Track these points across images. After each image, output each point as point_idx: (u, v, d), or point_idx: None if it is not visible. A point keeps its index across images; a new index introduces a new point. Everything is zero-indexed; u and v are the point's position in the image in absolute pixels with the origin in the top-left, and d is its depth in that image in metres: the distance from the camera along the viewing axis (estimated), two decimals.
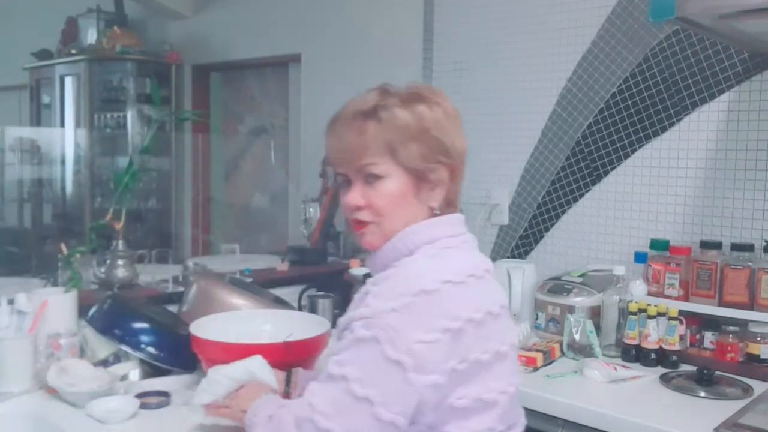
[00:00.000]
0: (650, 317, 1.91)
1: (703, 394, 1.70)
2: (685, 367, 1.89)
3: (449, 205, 1.19)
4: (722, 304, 1.91)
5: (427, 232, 1.14)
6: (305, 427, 1.04)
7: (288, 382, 1.41)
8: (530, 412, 1.68)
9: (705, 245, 1.98)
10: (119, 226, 2.12)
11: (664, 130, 2.21)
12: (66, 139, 4.56)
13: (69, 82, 4.50)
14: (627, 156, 2.29)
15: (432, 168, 1.15)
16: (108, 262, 2.15)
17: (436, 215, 1.17)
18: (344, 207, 1.19)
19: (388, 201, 1.15)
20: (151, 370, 1.73)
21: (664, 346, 1.90)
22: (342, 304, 2.24)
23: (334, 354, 1.09)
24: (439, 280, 1.05)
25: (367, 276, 2.23)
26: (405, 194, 1.15)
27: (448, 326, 1.03)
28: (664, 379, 1.80)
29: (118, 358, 1.72)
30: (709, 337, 1.96)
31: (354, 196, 1.16)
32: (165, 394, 1.59)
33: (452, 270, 1.09)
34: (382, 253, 1.16)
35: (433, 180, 1.15)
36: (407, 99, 1.16)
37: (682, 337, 1.92)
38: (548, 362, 1.92)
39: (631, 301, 1.96)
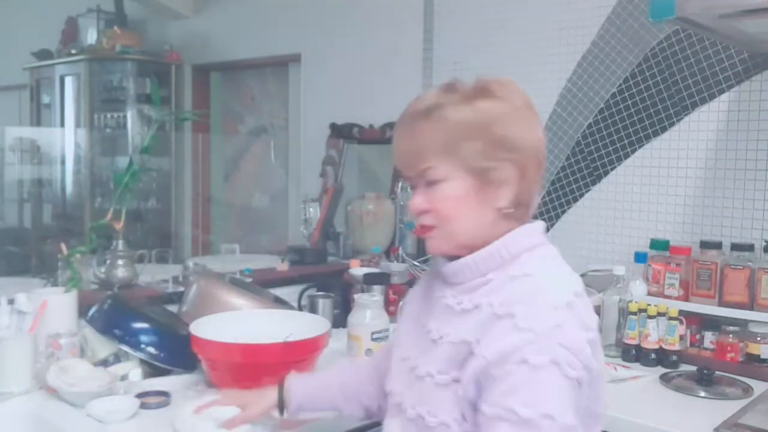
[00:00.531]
0: (650, 317, 1.91)
1: (703, 394, 1.70)
2: (685, 367, 1.89)
3: (521, 206, 1.07)
4: (722, 304, 1.91)
5: (526, 241, 1.07)
6: None
7: (281, 402, 1.35)
8: None
9: (705, 245, 1.98)
10: (119, 226, 2.12)
11: (664, 130, 2.21)
12: (66, 139, 4.56)
13: (69, 82, 4.50)
14: (627, 156, 2.29)
15: (494, 166, 1.04)
16: (108, 262, 2.15)
17: (508, 214, 1.07)
18: (409, 212, 1.16)
19: (450, 204, 1.06)
20: (151, 370, 1.72)
21: (664, 346, 1.90)
22: (342, 304, 2.25)
23: (505, 394, 0.94)
24: (571, 292, 1.01)
25: (368, 276, 2.23)
26: (467, 195, 1.06)
27: (591, 338, 0.99)
28: (664, 379, 1.80)
29: (118, 358, 1.72)
30: (709, 337, 1.96)
31: (416, 200, 1.09)
32: (165, 394, 1.59)
33: (574, 281, 1.05)
34: (476, 259, 1.07)
35: (498, 179, 1.05)
36: (470, 95, 1.07)
37: (682, 337, 1.92)
38: None
39: (631, 301, 1.96)
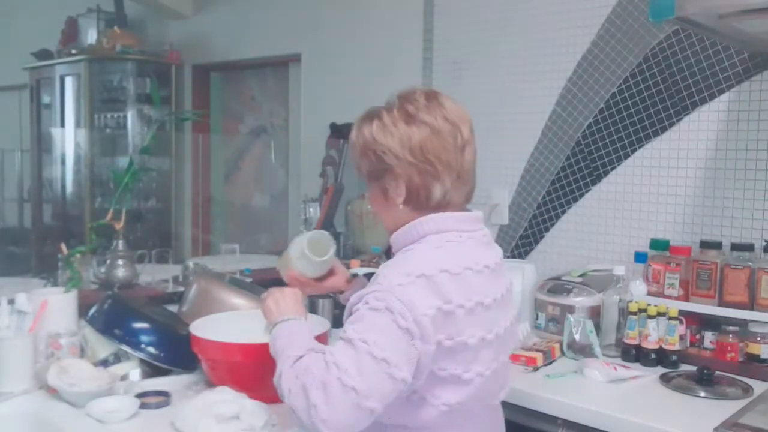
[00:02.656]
0: (650, 317, 1.91)
1: (703, 394, 1.70)
2: (685, 367, 1.89)
3: (420, 198, 1.31)
4: (722, 304, 1.91)
5: (437, 224, 1.30)
6: (333, 387, 1.15)
7: None
8: (530, 412, 1.69)
9: (705, 245, 1.98)
10: (119, 226, 2.12)
11: (664, 130, 2.21)
12: (66, 139, 4.56)
13: (69, 82, 4.50)
14: (627, 156, 2.29)
15: (380, 175, 1.32)
16: (108, 262, 2.15)
17: (412, 205, 1.32)
18: None
19: (371, 203, 1.42)
20: (151, 370, 1.73)
21: (664, 346, 1.90)
22: (342, 304, 2.24)
23: (349, 323, 1.22)
24: (437, 268, 1.22)
25: (368, 276, 2.24)
26: (377, 198, 1.37)
27: (441, 306, 1.20)
28: (664, 379, 1.80)
29: (118, 358, 1.73)
30: (709, 337, 1.96)
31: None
32: (165, 394, 1.59)
33: (451, 262, 1.24)
34: (396, 237, 1.34)
35: (389, 184, 1.32)
36: (363, 120, 1.35)
37: (682, 337, 1.92)
38: (548, 362, 1.92)
39: (631, 301, 1.96)
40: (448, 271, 1.23)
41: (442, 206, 1.31)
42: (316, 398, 1.15)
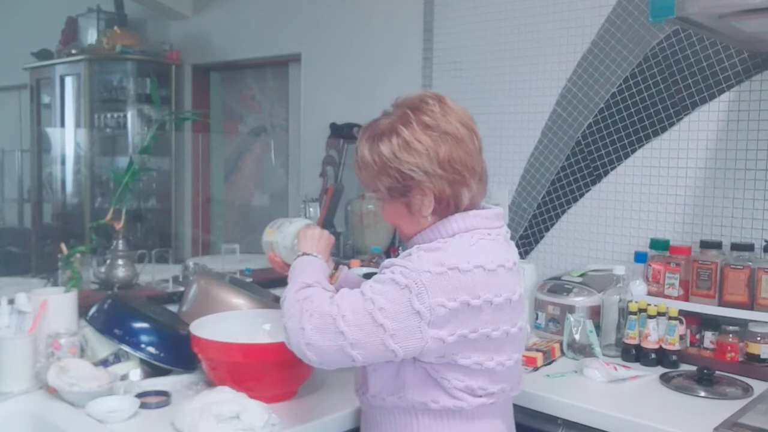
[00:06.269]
0: (650, 317, 1.91)
1: (703, 393, 1.70)
2: (685, 367, 1.89)
3: (449, 206, 1.32)
4: (722, 303, 1.91)
5: (465, 222, 1.32)
6: (326, 320, 1.23)
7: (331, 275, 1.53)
8: (530, 412, 1.69)
9: (705, 245, 1.98)
10: (119, 225, 2.12)
11: (664, 130, 2.21)
12: (66, 139, 4.56)
13: (69, 82, 4.50)
14: (627, 156, 2.29)
15: (406, 192, 1.32)
16: (108, 261, 2.15)
17: (436, 211, 1.32)
18: None
19: (389, 216, 1.39)
20: (151, 370, 1.73)
21: (664, 346, 1.90)
22: None
23: (372, 280, 1.27)
24: (473, 264, 1.24)
25: (368, 276, 2.24)
26: (398, 210, 1.36)
27: (469, 301, 1.23)
28: (664, 378, 1.80)
29: (118, 358, 1.73)
30: (709, 337, 1.96)
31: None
32: (165, 394, 1.59)
33: (486, 258, 1.27)
34: (418, 239, 1.34)
35: (414, 198, 1.32)
36: (374, 137, 1.33)
37: (682, 337, 1.92)
38: (548, 362, 1.92)
39: (631, 301, 1.96)
40: (483, 267, 1.25)
41: (467, 209, 1.34)
42: (308, 323, 1.24)
